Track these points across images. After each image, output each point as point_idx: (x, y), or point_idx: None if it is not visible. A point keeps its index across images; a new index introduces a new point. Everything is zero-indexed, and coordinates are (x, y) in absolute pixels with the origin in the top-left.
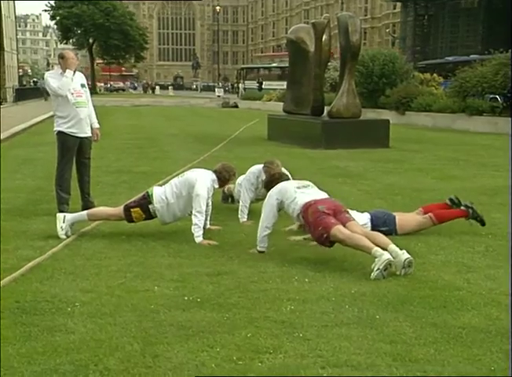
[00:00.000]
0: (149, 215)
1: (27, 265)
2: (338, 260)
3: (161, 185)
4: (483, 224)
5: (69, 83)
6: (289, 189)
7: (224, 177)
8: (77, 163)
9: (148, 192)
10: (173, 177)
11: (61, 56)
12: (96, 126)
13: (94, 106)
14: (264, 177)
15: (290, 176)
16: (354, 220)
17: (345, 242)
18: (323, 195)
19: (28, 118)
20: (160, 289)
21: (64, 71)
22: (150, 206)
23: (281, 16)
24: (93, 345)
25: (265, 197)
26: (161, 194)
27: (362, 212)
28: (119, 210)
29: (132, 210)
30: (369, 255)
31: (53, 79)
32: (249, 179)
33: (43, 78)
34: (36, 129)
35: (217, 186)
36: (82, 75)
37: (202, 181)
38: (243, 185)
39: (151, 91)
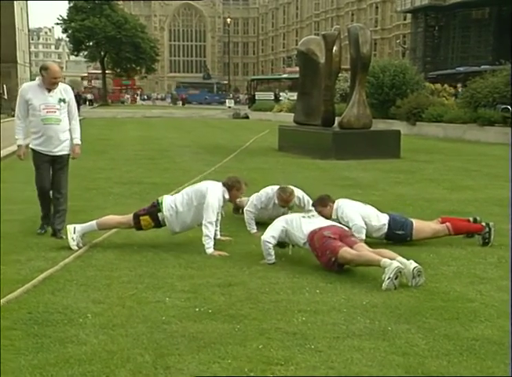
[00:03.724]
0: (158, 223)
1: (39, 277)
2: (349, 271)
3: (172, 195)
4: (485, 244)
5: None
6: (295, 218)
7: (229, 185)
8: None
9: (157, 200)
10: (184, 188)
11: (44, 68)
12: (77, 142)
13: (81, 120)
14: (276, 201)
15: (305, 195)
16: (360, 242)
17: (354, 261)
18: (329, 222)
19: None
20: (171, 300)
21: (47, 87)
22: (159, 215)
23: (291, 28)
24: (104, 357)
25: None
26: (171, 202)
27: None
28: (129, 218)
29: (141, 217)
30: (379, 268)
31: (19, 99)
32: (259, 197)
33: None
34: None
35: (227, 197)
36: (67, 88)
37: (214, 192)
38: (250, 201)
39: (180, 103)
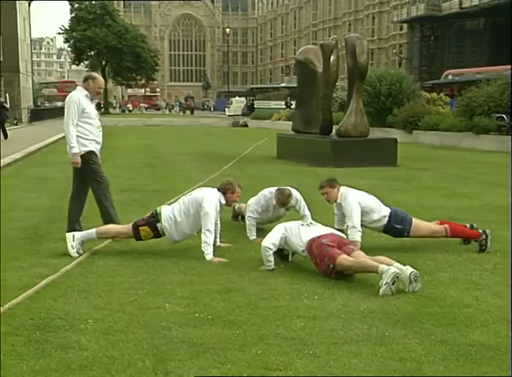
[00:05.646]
0: (157, 233)
1: (41, 283)
2: (346, 278)
3: (170, 204)
4: (481, 251)
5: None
6: (294, 226)
7: (227, 192)
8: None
9: (156, 211)
10: (184, 195)
11: (92, 78)
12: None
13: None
14: (274, 203)
15: (300, 196)
16: (358, 250)
17: (352, 268)
18: (327, 230)
19: (43, 138)
20: (171, 306)
21: (92, 96)
22: (158, 225)
23: (289, 38)
24: (105, 362)
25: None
26: (169, 213)
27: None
28: (128, 227)
29: (140, 228)
30: (376, 274)
31: (72, 109)
32: (258, 202)
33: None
34: (51, 149)
35: (224, 202)
36: None
37: (210, 198)
38: (251, 206)
39: (189, 112)
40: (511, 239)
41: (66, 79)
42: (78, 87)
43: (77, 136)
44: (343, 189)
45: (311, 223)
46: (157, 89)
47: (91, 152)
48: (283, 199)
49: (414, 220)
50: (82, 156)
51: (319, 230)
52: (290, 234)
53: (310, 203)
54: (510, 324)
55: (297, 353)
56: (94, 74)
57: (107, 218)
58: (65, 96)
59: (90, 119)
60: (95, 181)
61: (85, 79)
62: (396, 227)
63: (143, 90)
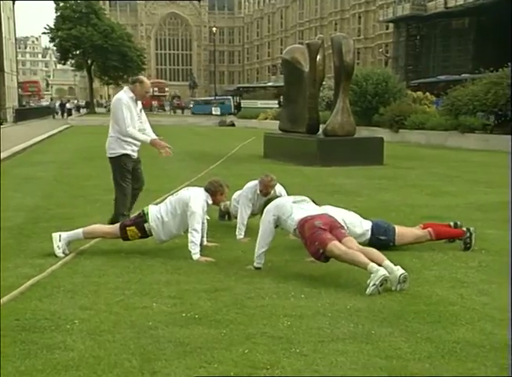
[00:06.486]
0: (144, 234)
1: (26, 283)
2: (333, 276)
3: (157, 204)
4: (466, 249)
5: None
6: (285, 204)
7: (212, 190)
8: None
9: (143, 211)
10: (170, 195)
11: (139, 81)
12: (157, 137)
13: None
14: (258, 191)
15: (286, 193)
16: (350, 236)
17: (341, 257)
18: (320, 210)
19: (28, 138)
20: (158, 306)
21: (137, 99)
22: (145, 225)
23: (276, 37)
24: (92, 362)
25: (260, 212)
26: (156, 213)
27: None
28: (115, 228)
29: (127, 228)
30: (364, 271)
31: (125, 111)
32: (246, 195)
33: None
34: (36, 149)
35: (210, 202)
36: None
37: (196, 198)
38: (241, 201)
39: (181, 111)
40: (511, 238)
41: (29, 80)
42: (125, 88)
43: (117, 137)
44: (322, 209)
45: (303, 200)
46: (166, 89)
47: (127, 156)
48: (267, 181)
49: (397, 228)
50: (117, 157)
51: (312, 209)
52: (282, 213)
53: None
54: (510, 324)
55: (284, 351)
56: (143, 78)
57: (114, 221)
58: (29, 95)
59: (134, 122)
60: (119, 184)
61: (134, 82)
62: (381, 238)
63: (150, 90)
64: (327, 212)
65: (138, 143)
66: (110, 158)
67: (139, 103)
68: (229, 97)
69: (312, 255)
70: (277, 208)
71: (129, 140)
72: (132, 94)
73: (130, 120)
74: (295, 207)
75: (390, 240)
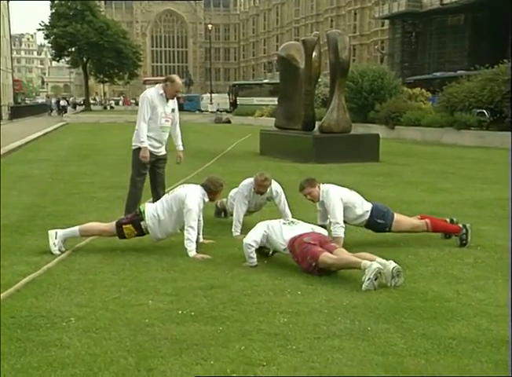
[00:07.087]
0: (141, 232)
1: (22, 281)
2: (329, 273)
3: (153, 202)
4: (462, 245)
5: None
6: (276, 224)
7: (212, 190)
8: (152, 175)
9: (140, 209)
10: (166, 192)
11: (171, 80)
12: (181, 148)
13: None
14: (253, 189)
15: (282, 190)
16: (341, 247)
17: (335, 265)
18: (309, 228)
19: (24, 136)
20: (154, 303)
21: (167, 97)
22: (142, 223)
23: (272, 34)
24: (88, 360)
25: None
26: (152, 211)
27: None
28: (111, 226)
29: (124, 226)
30: (359, 270)
31: (146, 106)
32: (242, 192)
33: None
34: (32, 146)
35: (207, 200)
36: (174, 99)
37: (192, 196)
38: (237, 199)
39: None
40: (511, 235)
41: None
42: (156, 85)
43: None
44: (324, 186)
45: (292, 221)
46: None
47: (146, 150)
48: (260, 180)
49: (396, 215)
50: (135, 150)
51: (300, 228)
52: (272, 232)
53: (292, 199)
54: (510, 324)
55: (280, 348)
56: (175, 77)
57: (126, 213)
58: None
59: (156, 118)
60: (132, 177)
61: (166, 80)
62: (378, 222)
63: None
64: (329, 190)
65: (160, 139)
66: (132, 150)
67: (171, 102)
68: (197, 95)
69: (306, 271)
70: (268, 227)
71: (150, 134)
72: (162, 91)
73: (147, 116)
74: (284, 228)
75: (387, 225)
